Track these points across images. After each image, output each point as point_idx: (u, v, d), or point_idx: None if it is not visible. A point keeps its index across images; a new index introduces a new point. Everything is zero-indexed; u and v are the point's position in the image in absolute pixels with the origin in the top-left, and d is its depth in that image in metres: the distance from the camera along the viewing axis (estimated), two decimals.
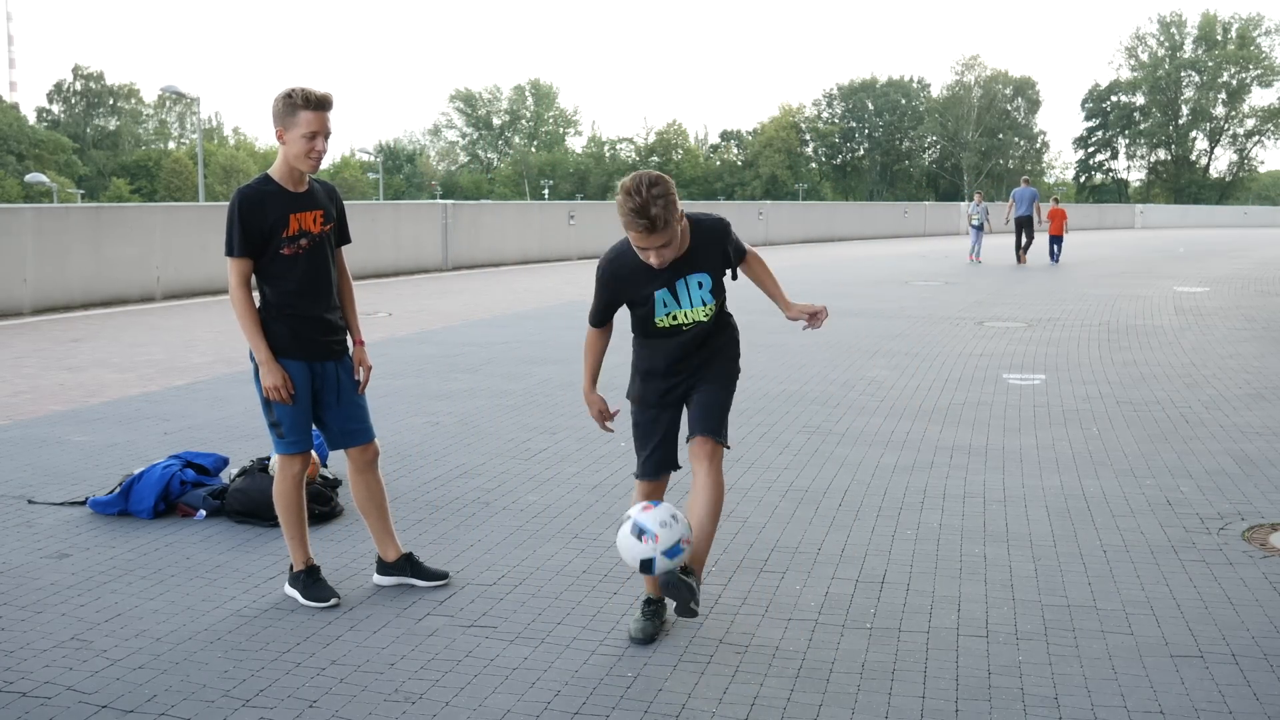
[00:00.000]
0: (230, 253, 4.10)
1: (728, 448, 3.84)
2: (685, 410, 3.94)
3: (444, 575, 4.46)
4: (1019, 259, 25.93)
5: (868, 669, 3.65)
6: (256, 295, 4.21)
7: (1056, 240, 26.39)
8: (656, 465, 3.94)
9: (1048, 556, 4.73)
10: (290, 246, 4.11)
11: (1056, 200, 28.33)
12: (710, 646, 3.82)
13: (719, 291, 3.81)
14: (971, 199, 30.29)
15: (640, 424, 3.96)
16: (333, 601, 4.18)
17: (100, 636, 3.90)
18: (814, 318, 4.01)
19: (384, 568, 4.45)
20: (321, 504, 5.24)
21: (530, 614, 4.11)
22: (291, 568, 4.32)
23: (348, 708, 3.37)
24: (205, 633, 3.94)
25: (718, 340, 3.90)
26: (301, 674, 3.60)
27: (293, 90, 4.02)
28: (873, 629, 3.97)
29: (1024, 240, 26.08)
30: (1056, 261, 25.95)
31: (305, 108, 4.00)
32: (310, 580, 4.25)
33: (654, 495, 3.93)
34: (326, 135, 4.06)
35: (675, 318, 3.78)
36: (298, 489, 4.25)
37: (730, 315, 3.97)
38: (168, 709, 3.36)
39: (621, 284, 3.77)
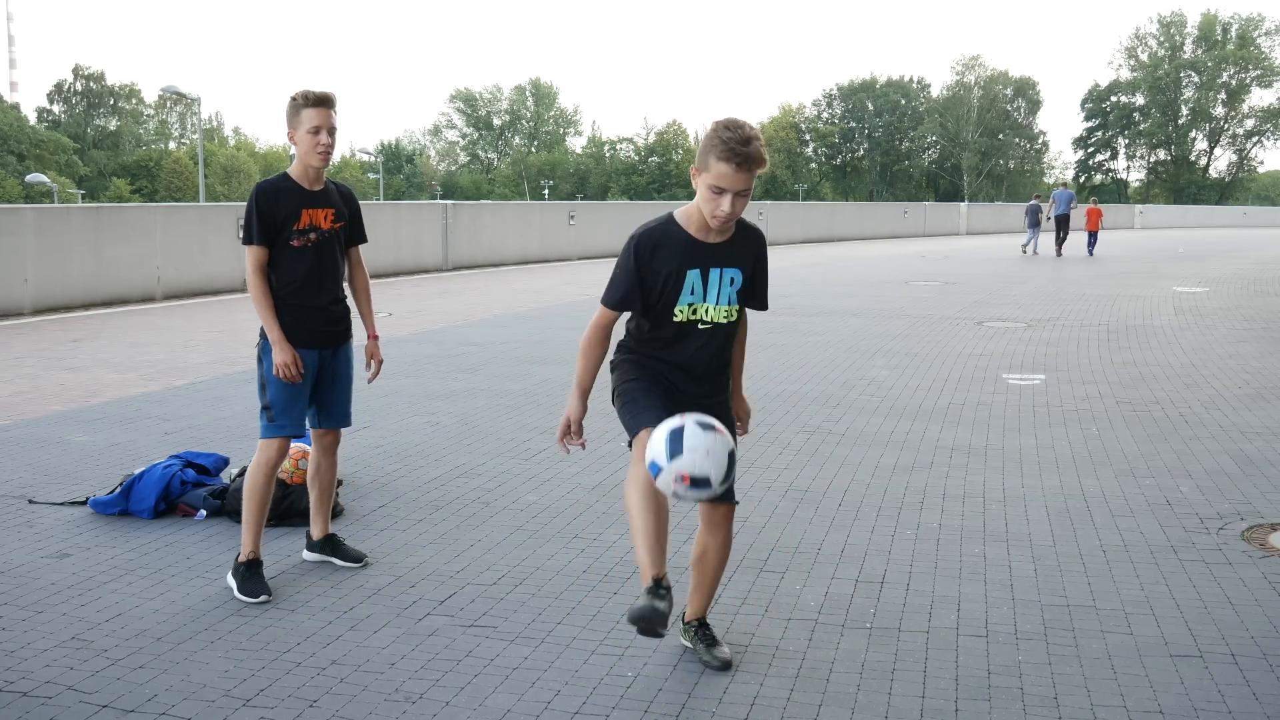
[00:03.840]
0: (247, 240, 4.38)
1: (736, 504, 3.73)
2: None
3: (361, 557, 4.67)
4: (1058, 252, 29.37)
5: (868, 669, 3.65)
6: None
7: (1093, 235, 30.48)
8: (659, 415, 3.40)
9: (1047, 556, 4.73)
10: (300, 239, 4.38)
11: (1095, 200, 31.39)
12: None
13: (743, 299, 3.56)
14: (1031, 199, 34.04)
15: (638, 386, 3.54)
16: (262, 598, 4.24)
17: (100, 636, 3.90)
18: (741, 425, 3.80)
19: (310, 544, 4.71)
20: None
21: (530, 614, 4.11)
22: (237, 556, 4.39)
23: (348, 708, 3.37)
24: (205, 633, 3.94)
25: (721, 379, 3.64)
26: (301, 674, 3.61)
27: (296, 93, 4.34)
28: (873, 629, 3.97)
29: (1062, 235, 29.73)
30: (1091, 254, 29.35)
31: (306, 105, 4.32)
32: (249, 574, 4.32)
33: None
34: (331, 130, 4.37)
35: (695, 310, 3.47)
36: (268, 477, 4.40)
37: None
38: (168, 709, 3.36)
39: (659, 254, 3.41)
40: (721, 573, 3.76)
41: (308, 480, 4.73)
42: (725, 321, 3.53)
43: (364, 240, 4.69)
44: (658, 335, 3.54)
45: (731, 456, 3.29)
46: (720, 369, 3.63)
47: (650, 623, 3.22)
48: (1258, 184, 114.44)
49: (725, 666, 3.63)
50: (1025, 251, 29.71)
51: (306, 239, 4.38)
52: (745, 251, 3.54)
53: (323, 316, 4.46)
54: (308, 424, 4.61)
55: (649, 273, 3.45)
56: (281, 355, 4.32)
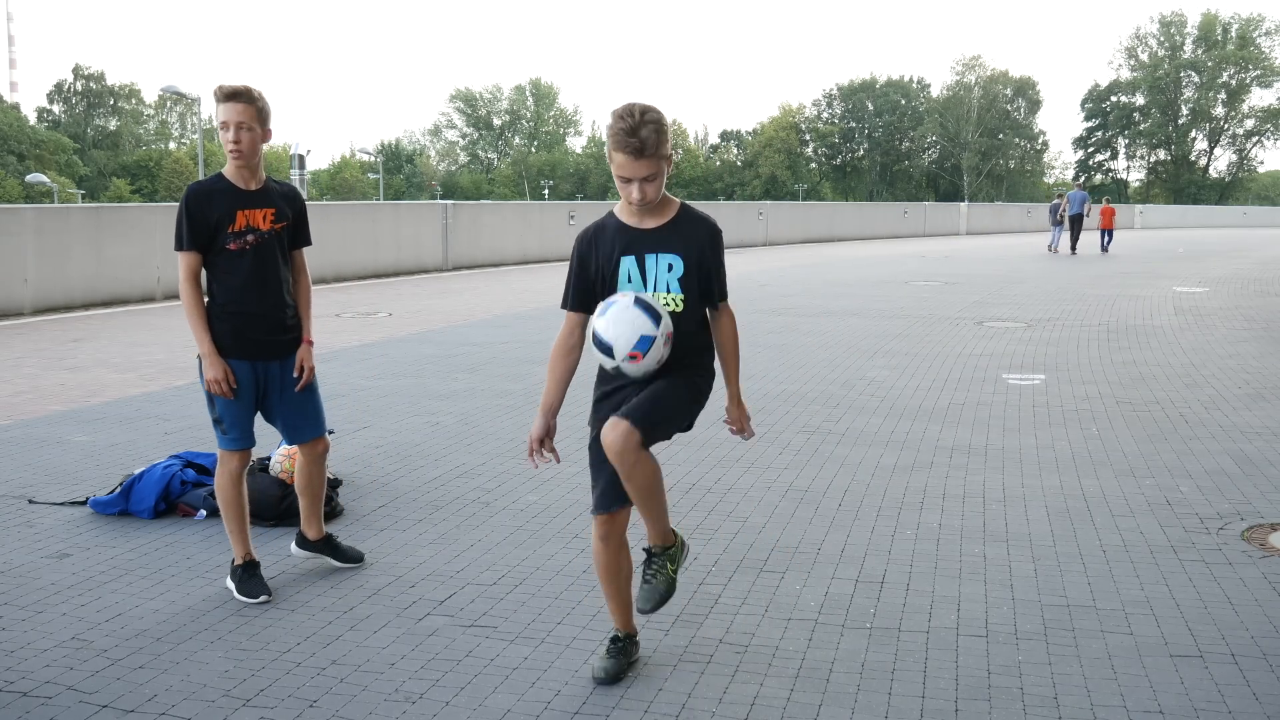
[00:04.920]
0: (178, 247, 4.20)
1: (640, 433, 3.30)
2: None
3: (360, 557, 4.65)
4: (1071, 250, 30.95)
5: (868, 669, 3.65)
6: (206, 297, 4.31)
7: (1107, 233, 32.53)
8: (608, 497, 3.48)
9: (1047, 556, 4.73)
10: (236, 242, 4.20)
11: (1108, 200, 34.50)
12: (710, 646, 3.82)
13: (690, 287, 3.41)
14: (1055, 199, 35.44)
15: (593, 447, 3.52)
16: (262, 598, 4.22)
17: (100, 636, 3.90)
18: (741, 430, 3.65)
19: (303, 543, 4.67)
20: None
21: (530, 614, 4.11)
22: (233, 561, 4.37)
23: (348, 708, 3.37)
24: (205, 633, 3.94)
25: (685, 359, 3.44)
26: (301, 674, 3.61)
27: (215, 87, 4.19)
28: (873, 629, 3.97)
29: (1076, 234, 31.12)
30: (1106, 251, 31.28)
31: (218, 100, 4.17)
32: (246, 575, 4.31)
33: (613, 535, 3.54)
34: (241, 126, 4.16)
35: None
36: (236, 485, 4.34)
37: (709, 354, 3.55)
38: (168, 709, 3.36)
39: (594, 249, 3.44)
40: (646, 499, 3.43)
41: (297, 489, 4.61)
42: (670, 310, 3.39)
43: (308, 243, 4.47)
44: None
45: (646, 340, 3.26)
46: (679, 367, 3.43)
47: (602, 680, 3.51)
48: (1258, 184, 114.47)
49: (646, 607, 3.57)
50: (1053, 250, 31.24)
51: (244, 242, 4.18)
52: (685, 237, 3.41)
53: (264, 325, 4.24)
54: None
55: (589, 266, 3.46)
56: (211, 371, 4.16)
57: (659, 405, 3.38)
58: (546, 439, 3.60)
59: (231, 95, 4.15)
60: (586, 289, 3.48)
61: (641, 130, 3.25)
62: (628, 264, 3.42)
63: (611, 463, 3.34)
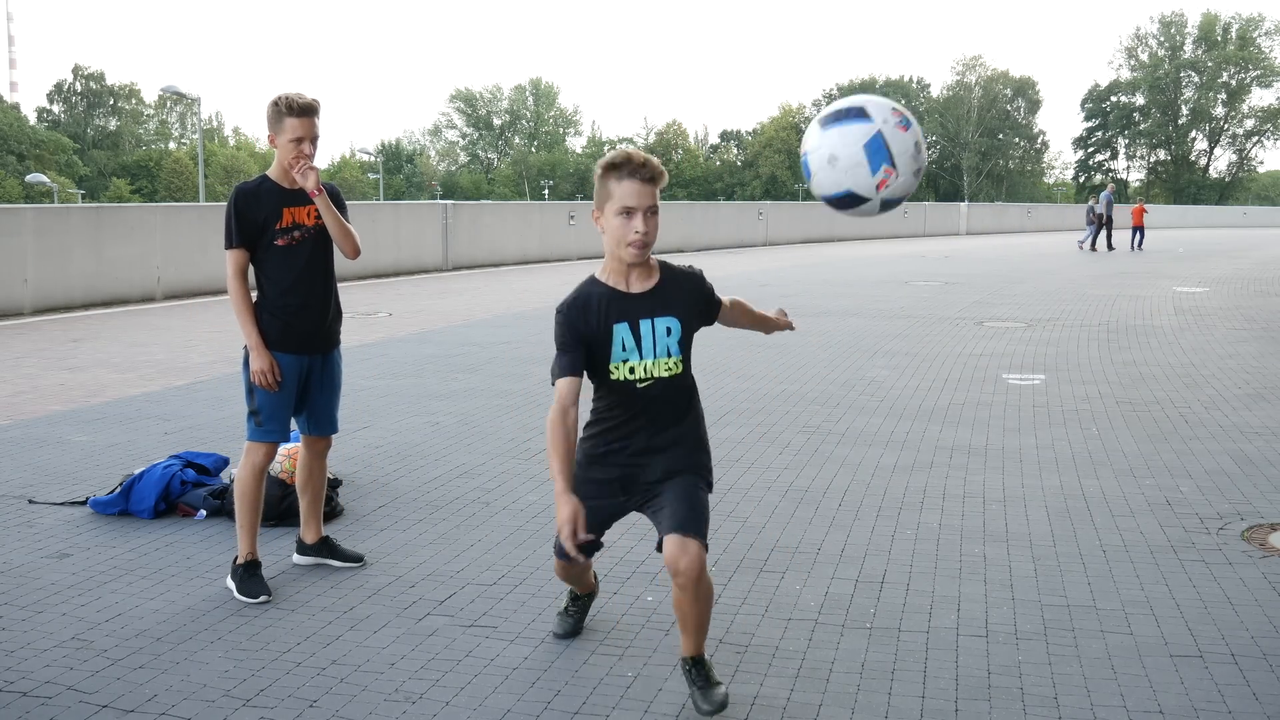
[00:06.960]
0: (228, 245, 4.34)
1: (707, 549, 3.23)
2: (645, 509, 3.41)
3: (359, 558, 4.65)
4: (1094, 247, 32.81)
5: (868, 669, 3.65)
6: (255, 292, 4.40)
7: (1138, 230, 34.03)
8: (582, 549, 3.34)
9: (1047, 556, 4.73)
10: (284, 238, 4.32)
11: (1143, 199, 35.12)
12: (710, 646, 3.81)
13: (686, 346, 3.34)
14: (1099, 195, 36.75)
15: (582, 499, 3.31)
16: (262, 598, 4.23)
17: (100, 636, 3.90)
18: (786, 323, 3.79)
19: (303, 549, 4.65)
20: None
21: (530, 614, 4.11)
22: (234, 560, 4.38)
23: (348, 708, 3.37)
24: (205, 633, 3.94)
25: (684, 423, 3.40)
26: (301, 674, 3.61)
27: (279, 98, 4.22)
28: (873, 629, 3.97)
29: (1096, 231, 33.03)
30: (1141, 249, 32.70)
31: (290, 114, 4.20)
32: (248, 575, 4.31)
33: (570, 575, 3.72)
34: (313, 140, 4.25)
35: (633, 369, 3.27)
36: (257, 479, 4.37)
37: (697, 395, 3.48)
38: (168, 709, 3.36)
39: (586, 315, 3.25)
40: (700, 616, 3.29)
41: (298, 487, 4.66)
42: (669, 375, 3.30)
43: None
44: (604, 400, 3.38)
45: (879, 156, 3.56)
46: (677, 420, 3.38)
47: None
48: (1258, 184, 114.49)
49: (718, 709, 3.24)
50: (1096, 249, 32.88)
51: (291, 238, 4.31)
52: (678, 298, 3.33)
53: (311, 318, 4.37)
54: (296, 428, 4.60)
55: (583, 323, 3.27)
56: (258, 362, 4.26)
57: (703, 510, 3.28)
58: (581, 518, 3.16)
59: (307, 110, 4.20)
60: (582, 352, 3.27)
61: (650, 160, 3.21)
62: (621, 331, 3.26)
63: (681, 581, 3.17)
